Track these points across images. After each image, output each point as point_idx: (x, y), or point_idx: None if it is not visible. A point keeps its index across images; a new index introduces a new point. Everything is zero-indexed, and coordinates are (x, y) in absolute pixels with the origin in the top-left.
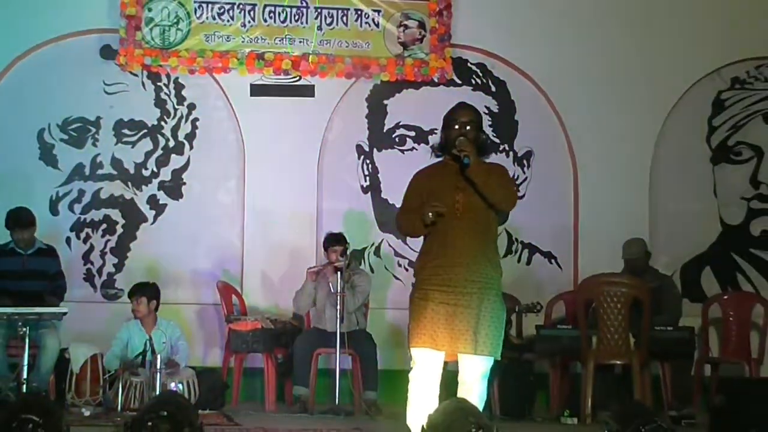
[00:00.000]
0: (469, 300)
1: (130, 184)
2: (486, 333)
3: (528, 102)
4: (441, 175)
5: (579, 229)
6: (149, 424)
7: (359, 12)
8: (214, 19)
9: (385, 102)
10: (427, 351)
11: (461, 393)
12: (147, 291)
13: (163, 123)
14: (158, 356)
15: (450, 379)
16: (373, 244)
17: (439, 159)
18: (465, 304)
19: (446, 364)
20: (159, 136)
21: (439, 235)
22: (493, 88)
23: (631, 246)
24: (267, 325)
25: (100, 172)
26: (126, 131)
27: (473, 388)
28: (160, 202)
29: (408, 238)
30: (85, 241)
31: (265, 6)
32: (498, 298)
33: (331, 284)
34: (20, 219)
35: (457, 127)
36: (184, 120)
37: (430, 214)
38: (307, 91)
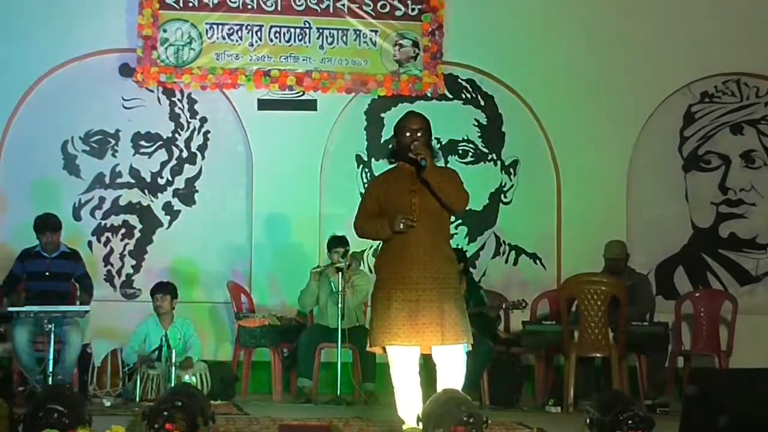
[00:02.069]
0: (430, 295)
1: (146, 191)
2: (451, 323)
3: (514, 115)
4: (396, 180)
5: (562, 232)
6: (165, 413)
7: (358, 32)
8: (224, 39)
9: (382, 115)
10: (399, 348)
11: (440, 383)
12: (169, 289)
13: (177, 135)
14: (173, 351)
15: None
16: (371, 247)
17: (393, 165)
18: (426, 298)
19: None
20: (173, 147)
21: (397, 237)
22: (482, 102)
23: (613, 247)
24: (274, 321)
25: (119, 180)
26: (143, 143)
27: (452, 376)
28: (175, 208)
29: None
30: (105, 244)
31: (271, 27)
32: (456, 290)
33: (333, 284)
34: (48, 223)
35: (408, 134)
36: (196, 132)
37: (402, 225)
38: (310, 105)
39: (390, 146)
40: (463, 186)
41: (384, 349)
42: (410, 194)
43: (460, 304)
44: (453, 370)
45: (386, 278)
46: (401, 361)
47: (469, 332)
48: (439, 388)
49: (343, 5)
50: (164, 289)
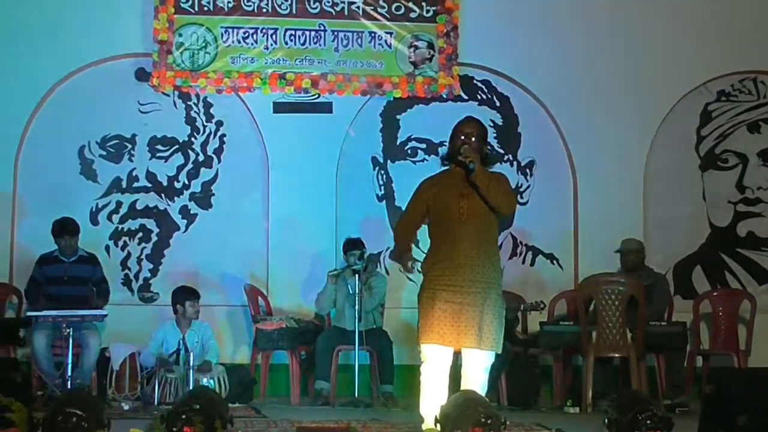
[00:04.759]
0: (474, 299)
1: (163, 195)
2: (489, 329)
3: (530, 115)
4: (446, 182)
5: (579, 233)
6: (183, 416)
7: (373, 34)
8: (239, 42)
9: (398, 117)
10: (436, 347)
11: (464, 384)
12: (198, 294)
13: (193, 139)
14: (191, 354)
15: (459, 370)
16: (388, 248)
17: (445, 168)
18: (470, 302)
19: (457, 357)
20: (190, 151)
21: (446, 239)
22: (498, 103)
23: (627, 242)
24: (291, 324)
25: (135, 185)
26: (159, 147)
27: (476, 380)
28: (191, 212)
29: (421, 243)
30: (122, 248)
31: (286, 30)
32: (499, 296)
33: (350, 286)
34: (66, 227)
35: (462, 137)
36: (212, 136)
37: (405, 268)
38: (326, 107)
39: (445, 149)
40: (512, 189)
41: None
42: (459, 198)
43: (500, 310)
44: (479, 374)
45: (433, 279)
46: (435, 359)
47: (501, 341)
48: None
49: (358, 8)
50: (196, 294)
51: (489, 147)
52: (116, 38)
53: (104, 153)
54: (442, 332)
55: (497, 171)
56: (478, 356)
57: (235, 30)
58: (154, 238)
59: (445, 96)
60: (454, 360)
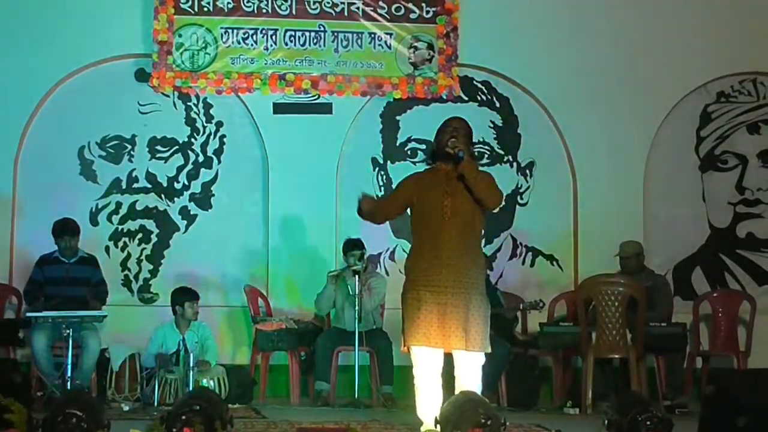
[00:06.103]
0: (457, 299)
1: (163, 196)
2: (475, 330)
3: (530, 116)
4: (431, 180)
5: (578, 233)
6: (183, 417)
7: (373, 35)
8: (239, 43)
9: (398, 118)
10: (424, 348)
11: (459, 386)
12: (197, 295)
13: (193, 140)
14: (191, 355)
15: (452, 371)
16: (388, 249)
17: (431, 167)
18: (454, 303)
19: (448, 359)
20: (189, 151)
21: (428, 238)
22: (498, 104)
23: (625, 246)
24: (291, 325)
25: (135, 185)
26: (159, 147)
27: (470, 381)
28: (191, 212)
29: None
30: (122, 249)
31: (286, 31)
32: (483, 296)
33: (349, 287)
34: (67, 227)
35: (450, 130)
36: (212, 137)
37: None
38: (326, 108)
39: (431, 149)
40: (497, 187)
41: (408, 348)
42: (443, 196)
43: (485, 310)
44: (472, 375)
45: (416, 279)
46: (426, 361)
47: (488, 340)
48: (457, 391)
49: (358, 8)
50: (195, 295)
51: (473, 147)
52: (116, 39)
53: (104, 153)
54: (428, 333)
55: (484, 171)
56: (467, 358)
57: (235, 31)
58: (154, 239)
59: (444, 97)
60: (446, 362)
